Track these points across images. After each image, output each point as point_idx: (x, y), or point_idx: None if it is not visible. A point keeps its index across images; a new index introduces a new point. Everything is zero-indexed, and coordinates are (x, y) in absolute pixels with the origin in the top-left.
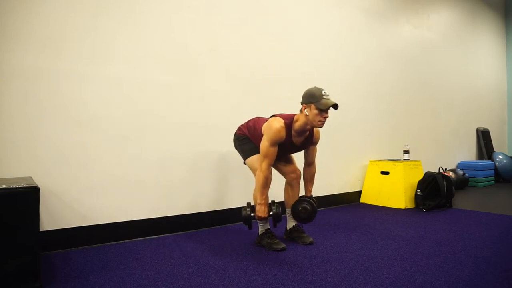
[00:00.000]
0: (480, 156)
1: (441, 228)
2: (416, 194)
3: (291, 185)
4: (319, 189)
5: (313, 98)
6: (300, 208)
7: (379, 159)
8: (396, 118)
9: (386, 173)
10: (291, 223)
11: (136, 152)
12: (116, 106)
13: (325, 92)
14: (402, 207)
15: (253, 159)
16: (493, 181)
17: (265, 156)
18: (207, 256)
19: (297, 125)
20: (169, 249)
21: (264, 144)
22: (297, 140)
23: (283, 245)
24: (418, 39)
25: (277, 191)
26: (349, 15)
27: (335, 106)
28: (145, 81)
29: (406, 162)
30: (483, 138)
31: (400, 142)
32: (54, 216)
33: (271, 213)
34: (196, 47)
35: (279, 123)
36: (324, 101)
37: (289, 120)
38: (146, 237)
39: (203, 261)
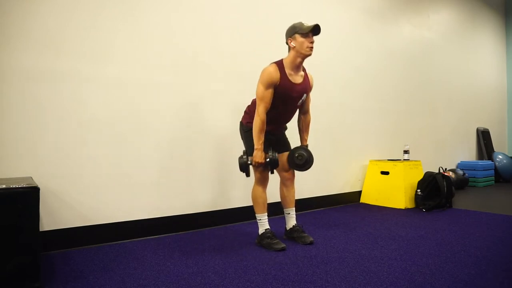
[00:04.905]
0: (480, 156)
1: (441, 228)
2: (416, 194)
3: (285, 185)
4: (319, 189)
5: (294, 28)
6: (297, 155)
7: (379, 159)
8: (396, 118)
9: (386, 173)
10: (290, 223)
11: (136, 152)
12: (116, 106)
13: (304, 22)
14: (402, 207)
15: None
16: (493, 181)
17: (261, 99)
18: (207, 256)
19: (288, 60)
20: (169, 249)
21: (259, 88)
22: (295, 79)
23: (283, 245)
24: (419, 39)
25: (273, 190)
26: (349, 15)
27: (317, 29)
28: (145, 81)
29: (406, 162)
30: (483, 138)
31: (400, 142)
32: (54, 216)
33: (268, 159)
34: (196, 47)
35: (270, 66)
36: (305, 26)
37: (279, 61)
38: (146, 237)
39: (203, 261)
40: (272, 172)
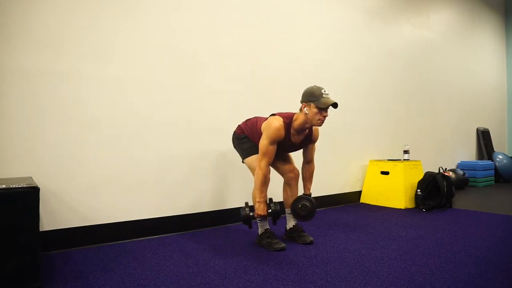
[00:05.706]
0: (480, 156)
1: (441, 228)
2: (416, 194)
3: (289, 184)
4: (319, 189)
5: (312, 97)
6: (300, 206)
7: (379, 159)
8: (396, 118)
9: (386, 173)
10: (291, 223)
11: (136, 152)
12: (116, 106)
13: (324, 91)
14: (402, 207)
15: (252, 159)
16: (493, 181)
17: (264, 154)
18: (207, 256)
19: (296, 123)
20: (169, 249)
21: (263, 142)
22: (296, 139)
23: (283, 245)
24: (419, 39)
25: (275, 190)
26: (349, 15)
27: (335, 105)
28: (145, 81)
29: (406, 162)
30: (483, 138)
31: (400, 142)
32: (54, 216)
33: (270, 210)
34: (196, 47)
35: (278, 122)
36: (323, 99)
37: (288, 119)
38: (146, 237)
39: (203, 261)
40: (275, 223)
